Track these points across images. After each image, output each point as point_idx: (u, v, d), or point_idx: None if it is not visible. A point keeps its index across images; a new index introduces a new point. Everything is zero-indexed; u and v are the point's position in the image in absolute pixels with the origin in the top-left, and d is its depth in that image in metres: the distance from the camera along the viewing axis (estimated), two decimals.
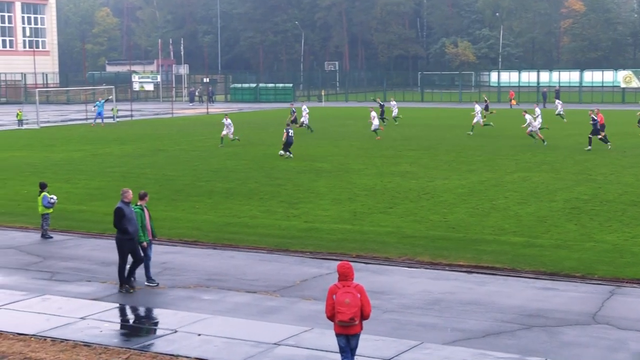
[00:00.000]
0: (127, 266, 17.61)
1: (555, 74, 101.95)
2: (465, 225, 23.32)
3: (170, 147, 45.40)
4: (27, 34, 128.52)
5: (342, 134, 52.09)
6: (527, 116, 46.01)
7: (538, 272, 18.44)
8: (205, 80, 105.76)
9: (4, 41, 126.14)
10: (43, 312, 15.93)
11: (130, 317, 16.07)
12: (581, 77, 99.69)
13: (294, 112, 57.63)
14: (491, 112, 67.47)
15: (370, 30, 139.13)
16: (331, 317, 11.76)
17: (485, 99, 72.30)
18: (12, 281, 18.38)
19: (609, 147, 41.97)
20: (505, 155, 39.93)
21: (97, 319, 15.54)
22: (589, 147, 41.52)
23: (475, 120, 53.95)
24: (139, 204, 17.92)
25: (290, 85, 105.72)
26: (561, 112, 63.20)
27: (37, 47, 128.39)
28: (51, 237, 22.90)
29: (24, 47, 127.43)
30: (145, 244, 17.79)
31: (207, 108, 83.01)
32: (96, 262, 20.05)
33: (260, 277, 18.38)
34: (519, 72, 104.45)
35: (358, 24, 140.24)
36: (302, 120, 55.41)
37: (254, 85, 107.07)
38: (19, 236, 23.42)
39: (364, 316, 11.72)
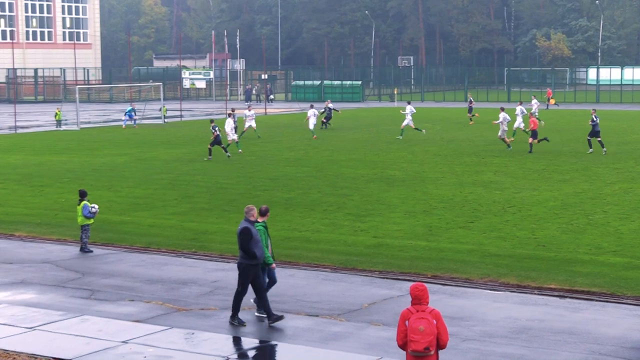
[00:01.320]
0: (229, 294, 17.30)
1: None
2: (558, 243, 23.05)
3: (223, 152, 45.71)
4: (67, 25, 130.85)
5: (417, 139, 51.93)
6: (502, 114, 46.51)
7: None
8: (263, 76, 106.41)
9: (42, 33, 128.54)
10: (81, 335, 16.15)
11: (177, 341, 16.21)
12: None
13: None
14: (474, 115, 65.96)
15: (449, 21, 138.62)
16: (403, 346, 11.72)
17: (470, 99, 70.40)
18: (48, 299, 18.68)
19: (592, 151, 43.66)
20: (604, 164, 39.40)
21: (140, 343, 15.70)
22: (591, 149, 43.66)
23: (405, 123, 52.86)
24: (260, 220, 17.29)
25: (359, 82, 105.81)
26: (535, 113, 63.00)
27: (78, 39, 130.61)
28: (91, 251, 23.22)
29: (64, 39, 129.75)
30: (274, 265, 17.54)
31: (266, 108, 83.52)
32: (140, 280, 20.28)
33: (323, 299, 18.39)
34: (622, 69, 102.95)
35: (436, 14, 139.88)
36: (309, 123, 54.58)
37: (317, 82, 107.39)
38: (56, 250, 23.80)
39: (440, 345, 11.65)
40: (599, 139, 43.73)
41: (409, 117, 53.31)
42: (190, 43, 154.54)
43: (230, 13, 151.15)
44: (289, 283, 19.78)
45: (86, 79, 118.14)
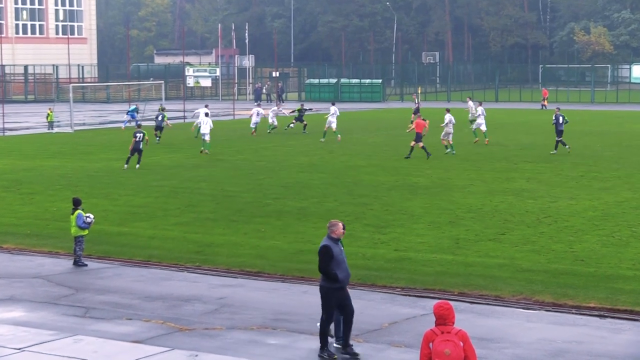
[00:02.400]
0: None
1: None
2: (597, 258, 23.00)
3: (230, 157, 45.83)
4: (61, 17, 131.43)
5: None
6: (448, 116, 47.32)
7: None
8: (274, 74, 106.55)
9: (32, 26, 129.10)
10: (75, 357, 16.18)
11: None
12: None
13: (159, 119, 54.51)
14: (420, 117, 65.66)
15: (479, 13, 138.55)
16: None
17: (416, 100, 69.77)
18: (39, 318, 18.73)
19: (555, 152, 45.62)
20: None
21: None
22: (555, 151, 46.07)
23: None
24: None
25: (379, 81, 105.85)
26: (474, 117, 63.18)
27: (72, 33, 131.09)
28: (85, 265, 23.27)
29: (57, 33, 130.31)
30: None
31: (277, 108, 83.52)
32: (139, 297, 20.32)
33: (340, 318, 18.36)
34: None
35: (464, 6, 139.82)
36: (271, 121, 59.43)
37: (334, 80, 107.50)
38: (48, 263, 23.86)
39: None
40: (560, 138, 46.12)
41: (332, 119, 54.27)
42: (194, 37, 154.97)
43: (238, 5, 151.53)
44: (302, 300, 19.78)
45: (81, 76, 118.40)
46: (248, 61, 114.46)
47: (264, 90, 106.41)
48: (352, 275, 21.53)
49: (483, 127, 51.74)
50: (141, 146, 41.30)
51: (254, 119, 58.51)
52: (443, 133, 47.36)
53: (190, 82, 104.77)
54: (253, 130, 58.14)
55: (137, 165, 41.28)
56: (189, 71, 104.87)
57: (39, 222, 28.99)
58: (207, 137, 47.30)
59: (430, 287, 20.52)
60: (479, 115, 52.53)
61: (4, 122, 64.92)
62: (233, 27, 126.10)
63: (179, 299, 19.97)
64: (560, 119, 46.61)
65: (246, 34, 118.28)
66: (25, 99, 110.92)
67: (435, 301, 12.76)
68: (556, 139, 46.36)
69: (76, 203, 23.42)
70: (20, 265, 23.66)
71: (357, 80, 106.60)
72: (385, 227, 27.28)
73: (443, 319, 11.66)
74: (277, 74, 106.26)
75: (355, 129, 62.02)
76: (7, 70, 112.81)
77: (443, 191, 33.84)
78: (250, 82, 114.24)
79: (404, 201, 31.71)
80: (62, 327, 17.95)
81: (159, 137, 53.19)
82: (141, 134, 41.57)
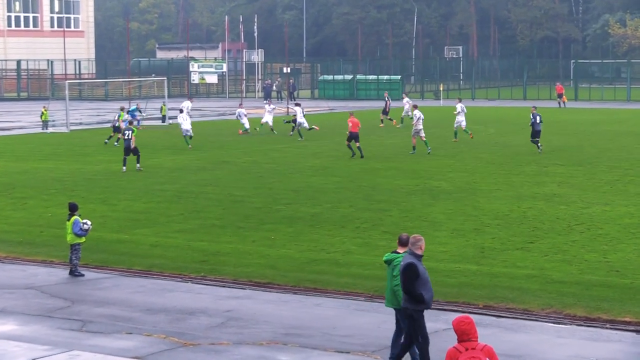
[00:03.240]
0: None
1: None
2: (634, 268, 22.95)
3: (238, 159, 45.88)
4: (56, 9, 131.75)
5: (467, 143, 51.87)
6: (417, 112, 48.18)
7: None
8: (285, 70, 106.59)
9: (25, 19, 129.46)
10: None
11: None
12: None
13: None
14: (390, 119, 65.54)
15: (506, 5, 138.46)
16: None
17: (386, 98, 69.59)
18: (32, 332, 18.78)
19: (540, 151, 46.91)
20: None
21: None
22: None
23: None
24: (400, 251, 16.58)
25: (398, 77, 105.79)
26: (407, 114, 64.14)
27: (68, 26, 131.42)
28: (82, 275, 23.32)
29: (51, 26, 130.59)
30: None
31: (288, 107, 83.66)
32: (139, 309, 20.35)
33: (355, 332, 18.38)
34: None
35: None
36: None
37: (349, 77, 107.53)
38: (41, 273, 23.92)
39: None
40: (537, 138, 47.21)
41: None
42: (199, 31, 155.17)
43: None
44: (315, 314, 19.79)
45: (77, 72, 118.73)
46: (257, 56, 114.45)
47: (274, 88, 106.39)
48: (369, 287, 21.61)
49: (463, 124, 53.60)
50: (131, 145, 41.43)
51: (266, 118, 59.66)
52: (413, 131, 48.13)
53: (195, 78, 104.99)
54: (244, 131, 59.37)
55: (138, 165, 41.43)
56: (194, 67, 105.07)
57: (32, 229, 29.05)
58: (190, 133, 51.74)
59: (453, 300, 20.49)
60: (459, 112, 53.78)
61: None
62: (241, 20, 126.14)
63: (182, 312, 20.00)
64: (538, 118, 47.68)
65: (255, 27, 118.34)
66: (17, 96, 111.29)
67: (458, 315, 12.75)
68: (530, 139, 47.68)
69: (72, 208, 23.48)
70: (12, 275, 23.73)
71: (374, 77, 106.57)
72: None
73: (466, 334, 11.65)
74: (288, 70, 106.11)
75: (371, 129, 61.98)
76: None
77: (467, 196, 33.81)
78: (260, 78, 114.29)
79: (425, 207, 31.69)
80: (56, 342, 17.99)
81: (111, 137, 53.95)
82: (129, 131, 41.93)
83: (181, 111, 52.95)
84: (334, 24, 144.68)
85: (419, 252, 15.77)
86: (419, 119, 47.94)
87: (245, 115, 60.29)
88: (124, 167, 41.35)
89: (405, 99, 67.46)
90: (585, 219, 29.35)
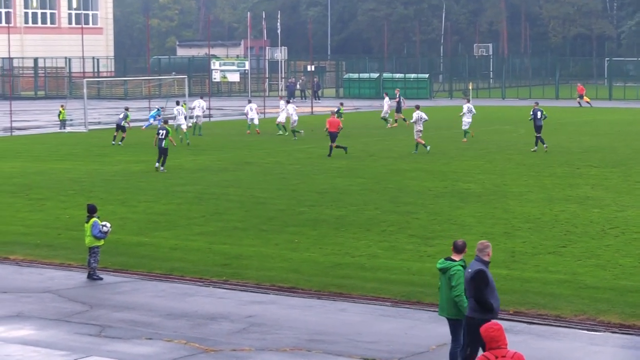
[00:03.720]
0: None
1: None
2: None
3: (261, 160, 45.93)
4: (74, 5, 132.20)
5: (497, 144, 51.78)
6: (417, 113, 48.41)
7: None
8: (309, 68, 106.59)
9: (43, 15, 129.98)
10: None
11: None
12: None
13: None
14: (404, 119, 65.22)
15: (538, 1, 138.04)
16: None
17: (398, 96, 68.95)
18: (49, 337, 18.85)
19: (536, 150, 47.69)
20: None
21: None
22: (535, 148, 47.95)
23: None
24: (456, 259, 16.22)
25: (426, 76, 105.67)
26: (386, 116, 66.50)
27: (87, 23, 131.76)
28: (101, 279, 23.40)
29: (69, 23, 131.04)
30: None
31: (312, 106, 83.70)
32: (159, 314, 20.41)
33: (381, 339, 18.38)
34: None
35: None
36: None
37: (375, 75, 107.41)
38: (59, 276, 24.01)
39: None
40: (539, 134, 47.92)
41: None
42: (221, 27, 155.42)
43: None
44: (340, 319, 19.79)
45: (96, 70, 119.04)
46: (280, 54, 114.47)
47: (297, 86, 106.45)
48: (395, 292, 21.60)
49: (467, 125, 54.10)
50: (163, 144, 41.46)
51: (281, 117, 59.72)
52: (415, 132, 48.39)
53: (217, 76, 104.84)
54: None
55: (162, 168, 41.53)
56: (215, 65, 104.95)
57: (50, 231, 29.16)
58: (184, 127, 54.32)
59: None
60: (464, 113, 54.07)
61: (11, 121, 65.35)
62: (264, 16, 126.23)
63: (203, 317, 20.04)
64: (539, 113, 48.50)
65: (278, 24, 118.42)
66: (35, 95, 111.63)
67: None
68: (535, 134, 48.18)
69: (91, 210, 23.56)
70: (29, 278, 23.84)
71: (401, 75, 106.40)
72: (432, 238, 27.24)
73: (495, 341, 11.62)
74: (313, 68, 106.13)
75: (400, 129, 61.95)
76: (15, 63, 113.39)
77: (497, 199, 33.75)
78: (283, 76, 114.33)
79: (454, 210, 31.66)
80: (74, 347, 18.06)
81: (117, 137, 54.39)
82: (164, 131, 41.82)
83: (177, 103, 56.26)
84: (359, 20, 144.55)
85: (486, 258, 15.67)
86: (419, 119, 48.07)
87: (257, 113, 60.48)
88: (157, 164, 41.98)
89: (386, 99, 67.30)
90: (620, 222, 29.25)
